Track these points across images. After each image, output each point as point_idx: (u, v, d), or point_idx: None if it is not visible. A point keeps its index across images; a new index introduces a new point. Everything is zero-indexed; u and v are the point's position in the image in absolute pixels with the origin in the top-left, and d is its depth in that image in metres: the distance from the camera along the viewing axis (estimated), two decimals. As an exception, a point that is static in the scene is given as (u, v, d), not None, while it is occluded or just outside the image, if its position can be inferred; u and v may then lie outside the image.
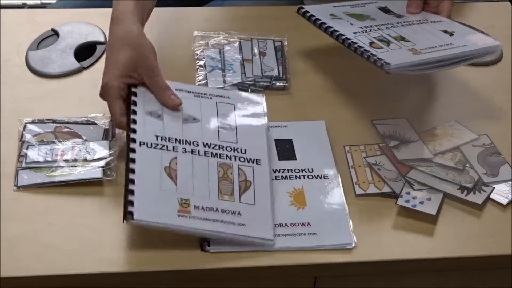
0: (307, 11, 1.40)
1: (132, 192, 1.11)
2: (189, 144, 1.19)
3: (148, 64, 1.22)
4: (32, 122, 1.26)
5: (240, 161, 1.19)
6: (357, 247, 1.14)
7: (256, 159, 1.20)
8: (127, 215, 1.09)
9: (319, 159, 1.24)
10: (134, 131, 1.18)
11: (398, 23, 1.39)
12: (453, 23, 1.39)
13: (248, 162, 1.19)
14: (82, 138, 1.24)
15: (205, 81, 1.37)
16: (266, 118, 1.27)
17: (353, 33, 1.34)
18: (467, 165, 1.25)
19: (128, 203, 1.10)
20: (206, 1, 1.72)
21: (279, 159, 1.24)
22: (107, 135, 1.25)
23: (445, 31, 1.35)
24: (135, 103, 1.21)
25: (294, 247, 1.13)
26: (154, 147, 1.17)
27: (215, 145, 1.20)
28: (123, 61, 1.21)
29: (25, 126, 1.26)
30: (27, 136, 1.24)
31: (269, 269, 1.12)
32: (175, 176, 1.15)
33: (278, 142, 1.27)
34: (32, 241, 1.12)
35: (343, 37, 1.33)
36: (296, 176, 1.21)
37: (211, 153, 1.19)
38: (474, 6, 1.61)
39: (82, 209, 1.17)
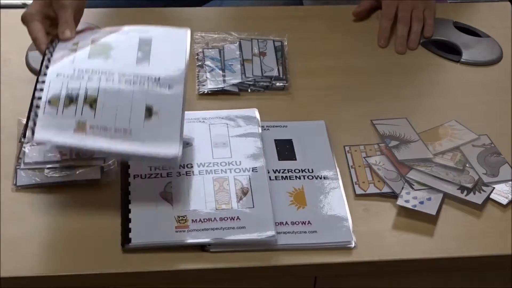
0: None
1: (128, 220, 1.13)
2: (183, 167, 1.19)
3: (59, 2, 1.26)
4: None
5: (236, 172, 1.19)
6: (357, 247, 1.14)
7: (252, 168, 1.20)
8: (125, 241, 1.10)
9: (319, 159, 1.24)
10: (128, 166, 1.19)
11: (123, 75, 1.17)
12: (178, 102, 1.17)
13: (244, 171, 1.20)
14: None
15: (205, 81, 1.37)
16: (259, 127, 1.26)
17: (58, 75, 1.17)
18: (467, 165, 1.25)
19: (125, 230, 1.12)
20: (206, 1, 1.72)
21: (279, 159, 1.24)
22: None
23: (149, 109, 1.14)
24: None
25: (294, 244, 1.13)
26: (148, 177, 1.18)
27: (209, 163, 1.20)
28: None
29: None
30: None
31: (269, 269, 1.12)
32: (171, 198, 1.15)
33: (278, 142, 1.27)
34: (32, 241, 1.12)
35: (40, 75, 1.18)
36: (296, 176, 1.21)
37: (206, 171, 1.19)
38: (474, 6, 1.61)
39: (82, 209, 1.17)
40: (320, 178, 1.21)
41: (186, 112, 1.17)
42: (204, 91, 1.36)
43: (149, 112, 1.14)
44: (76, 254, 1.11)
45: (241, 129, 1.26)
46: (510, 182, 1.24)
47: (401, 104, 1.37)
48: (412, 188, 1.20)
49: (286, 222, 1.15)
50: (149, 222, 1.13)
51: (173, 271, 1.11)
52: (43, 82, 1.16)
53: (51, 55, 1.20)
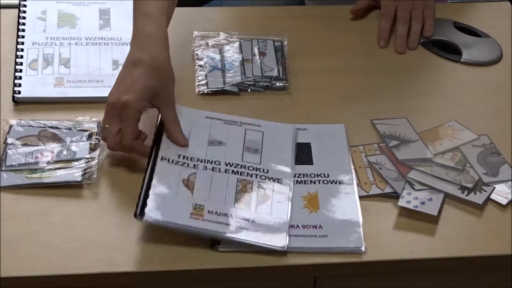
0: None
1: (147, 194, 1.12)
2: (211, 163, 1.20)
3: (167, 97, 1.22)
4: (18, 124, 1.26)
5: (261, 178, 1.19)
6: (357, 247, 1.14)
7: (278, 178, 1.20)
8: (138, 213, 1.10)
9: (336, 164, 1.24)
10: (158, 146, 1.20)
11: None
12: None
13: (269, 180, 1.20)
14: (65, 142, 1.23)
15: (205, 81, 1.37)
16: (293, 147, 1.26)
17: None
18: (467, 165, 1.25)
19: (141, 202, 1.11)
20: (206, 1, 1.72)
21: (295, 164, 1.23)
22: (92, 139, 1.24)
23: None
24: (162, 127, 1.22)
25: (304, 247, 1.12)
26: (175, 163, 1.19)
27: (237, 164, 1.21)
28: (146, 86, 1.18)
29: (10, 128, 1.25)
30: (10, 140, 1.23)
31: (269, 269, 1.12)
32: (192, 187, 1.16)
33: (297, 146, 1.26)
34: (32, 241, 1.12)
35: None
36: (311, 181, 1.21)
37: (232, 171, 1.20)
38: (474, 6, 1.61)
39: (82, 209, 1.17)
40: (336, 183, 1.21)
41: (221, 114, 1.26)
42: (204, 91, 1.36)
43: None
44: (76, 254, 1.11)
45: (276, 140, 1.26)
46: (510, 182, 1.23)
47: (401, 104, 1.37)
48: (413, 188, 1.20)
49: (297, 225, 1.15)
50: (166, 202, 1.12)
51: (174, 271, 1.11)
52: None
53: None
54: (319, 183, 1.21)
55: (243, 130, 1.27)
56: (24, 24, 1.44)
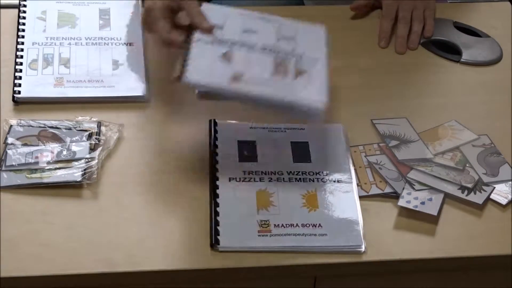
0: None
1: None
2: (245, 45, 1.22)
3: None
4: (18, 124, 1.26)
5: (296, 59, 1.22)
6: (357, 247, 1.14)
7: (313, 58, 1.22)
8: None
9: (334, 162, 1.24)
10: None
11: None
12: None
13: (304, 60, 1.23)
14: (65, 142, 1.23)
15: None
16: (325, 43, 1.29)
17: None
18: (467, 165, 1.25)
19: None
20: (205, 1, 1.71)
21: (293, 162, 1.24)
22: (92, 139, 1.24)
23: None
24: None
25: (304, 246, 1.13)
26: (211, 43, 1.22)
27: (273, 46, 1.24)
28: None
29: (10, 128, 1.25)
30: (10, 140, 1.23)
31: (269, 269, 1.12)
32: (230, 59, 1.19)
33: (294, 145, 1.26)
34: (32, 241, 1.12)
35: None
36: (310, 179, 1.21)
37: (269, 49, 1.22)
38: (474, 6, 1.61)
39: (82, 209, 1.17)
40: (334, 182, 1.21)
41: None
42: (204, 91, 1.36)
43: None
44: (76, 254, 1.11)
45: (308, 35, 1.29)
46: (510, 182, 1.24)
47: (401, 104, 1.37)
48: (413, 188, 1.20)
49: (297, 224, 1.15)
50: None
51: (173, 270, 1.11)
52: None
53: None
54: (318, 181, 1.21)
55: (277, 22, 1.29)
56: (24, 24, 1.44)
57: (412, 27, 1.50)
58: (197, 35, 1.22)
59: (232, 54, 1.20)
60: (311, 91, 1.17)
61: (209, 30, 1.23)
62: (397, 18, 1.51)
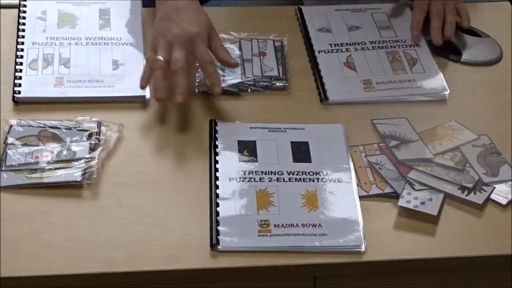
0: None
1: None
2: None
3: (213, 27, 1.35)
4: (18, 124, 1.26)
5: (403, 47, 1.42)
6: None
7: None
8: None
9: (335, 162, 1.24)
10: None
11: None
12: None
13: (411, 47, 1.43)
14: (65, 142, 1.23)
15: (205, 81, 1.37)
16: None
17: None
18: (467, 165, 1.25)
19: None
20: (204, 0, 1.72)
21: (294, 161, 1.24)
22: (92, 139, 1.24)
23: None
24: None
25: (304, 246, 1.13)
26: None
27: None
28: (204, 18, 1.33)
29: (10, 127, 1.25)
30: (10, 140, 1.23)
31: (269, 269, 1.12)
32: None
33: (294, 144, 1.26)
34: (32, 241, 1.12)
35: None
36: (310, 179, 1.21)
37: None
38: (474, 6, 1.61)
39: (82, 209, 1.17)
40: (334, 181, 1.21)
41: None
42: (204, 91, 1.36)
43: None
44: (76, 254, 1.11)
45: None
46: (510, 182, 1.24)
47: (401, 104, 1.37)
48: (413, 188, 1.20)
49: (297, 224, 1.15)
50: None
51: (173, 270, 1.11)
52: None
53: None
54: (318, 181, 1.21)
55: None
56: (24, 24, 1.44)
57: (446, 19, 1.48)
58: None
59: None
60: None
61: (235, 66, 1.34)
62: (430, 13, 1.49)
